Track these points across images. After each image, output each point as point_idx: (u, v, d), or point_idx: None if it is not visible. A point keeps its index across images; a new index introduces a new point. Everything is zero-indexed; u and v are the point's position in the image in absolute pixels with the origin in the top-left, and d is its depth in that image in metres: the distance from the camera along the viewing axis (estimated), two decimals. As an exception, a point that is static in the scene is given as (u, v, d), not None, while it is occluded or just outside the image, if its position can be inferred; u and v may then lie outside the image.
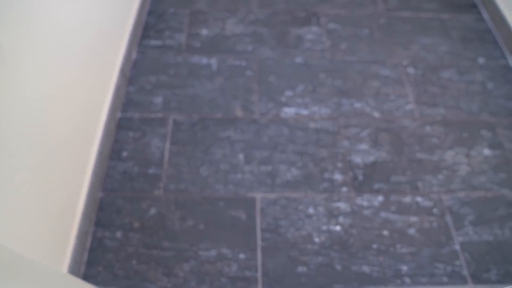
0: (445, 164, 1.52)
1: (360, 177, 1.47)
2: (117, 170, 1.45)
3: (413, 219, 1.38)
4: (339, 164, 1.50)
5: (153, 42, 1.86)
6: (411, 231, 1.36)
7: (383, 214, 1.39)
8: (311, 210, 1.39)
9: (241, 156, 1.50)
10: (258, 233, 1.34)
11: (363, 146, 1.55)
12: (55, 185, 1.12)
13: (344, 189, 1.44)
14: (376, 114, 1.65)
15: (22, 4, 0.91)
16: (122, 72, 1.64)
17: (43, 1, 1.02)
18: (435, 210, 1.40)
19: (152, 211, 1.37)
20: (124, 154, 1.49)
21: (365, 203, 1.41)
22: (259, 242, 1.32)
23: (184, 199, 1.39)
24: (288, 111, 1.64)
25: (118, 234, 1.31)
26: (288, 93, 1.70)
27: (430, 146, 1.57)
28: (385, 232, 1.35)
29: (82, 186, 1.31)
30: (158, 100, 1.64)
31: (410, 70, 1.82)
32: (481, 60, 1.88)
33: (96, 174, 1.37)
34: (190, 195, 1.40)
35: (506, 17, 1.97)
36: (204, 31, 1.92)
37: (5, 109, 0.86)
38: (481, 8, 2.15)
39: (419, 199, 1.43)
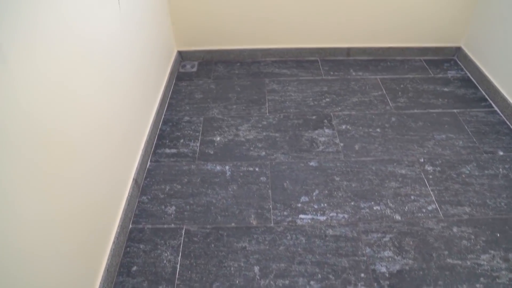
0: (482, 270, 1.38)
1: (388, 289, 1.34)
2: (125, 287, 1.37)
3: (454, 339, 1.22)
4: (362, 275, 1.38)
5: (168, 151, 1.89)
6: None
7: (418, 334, 1.23)
8: (336, 331, 1.25)
9: (256, 269, 1.40)
10: None
11: (387, 253, 1.44)
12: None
13: (371, 304, 1.30)
14: (397, 217, 1.57)
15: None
16: (135, 181, 1.64)
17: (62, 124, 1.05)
18: (477, 328, 1.24)
19: (161, 335, 1.25)
20: (134, 268, 1.42)
21: (396, 321, 1.26)
22: None
23: (196, 321, 1.28)
24: (305, 218, 1.57)
25: None
26: (304, 198, 1.65)
27: (461, 249, 1.44)
28: None
29: (87, 308, 1.22)
30: (171, 209, 1.61)
31: (428, 168, 1.77)
32: (501, 152, 1.83)
33: (102, 293, 1.29)
34: (202, 315, 1.29)
35: (519, 110, 1.96)
36: (218, 138, 1.96)
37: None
38: (492, 101, 2.16)
39: (457, 313, 1.28)
